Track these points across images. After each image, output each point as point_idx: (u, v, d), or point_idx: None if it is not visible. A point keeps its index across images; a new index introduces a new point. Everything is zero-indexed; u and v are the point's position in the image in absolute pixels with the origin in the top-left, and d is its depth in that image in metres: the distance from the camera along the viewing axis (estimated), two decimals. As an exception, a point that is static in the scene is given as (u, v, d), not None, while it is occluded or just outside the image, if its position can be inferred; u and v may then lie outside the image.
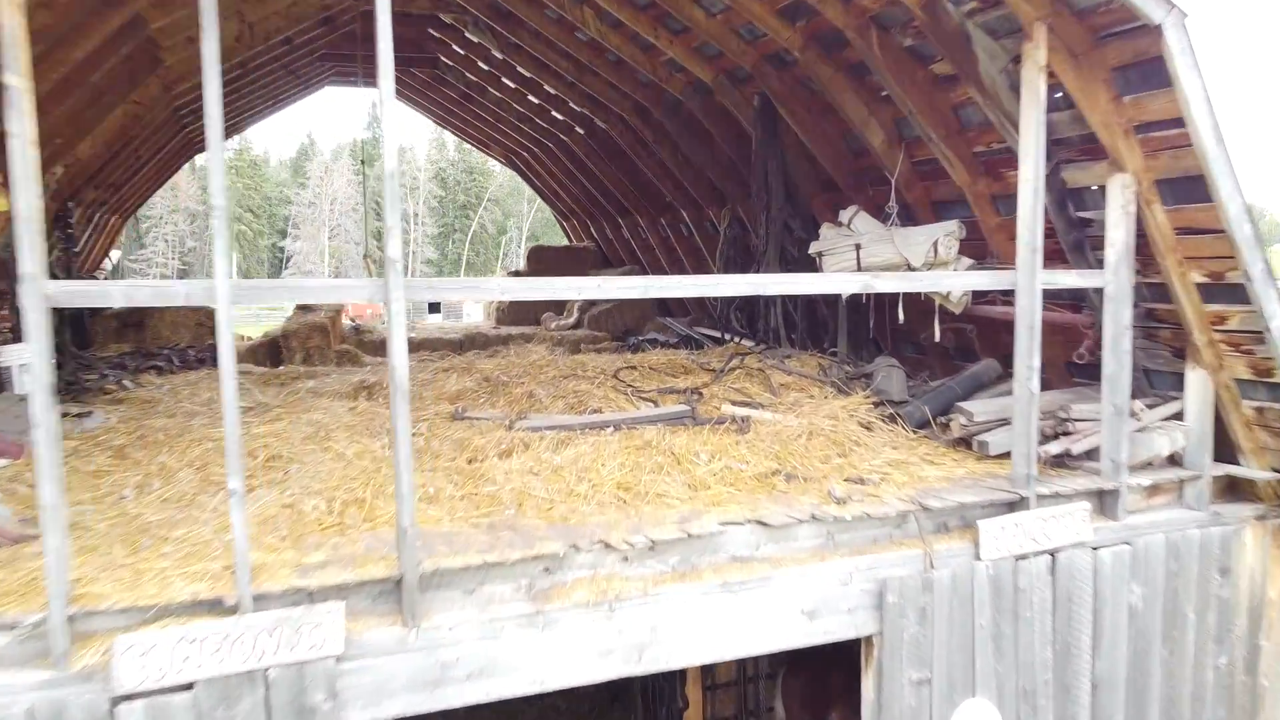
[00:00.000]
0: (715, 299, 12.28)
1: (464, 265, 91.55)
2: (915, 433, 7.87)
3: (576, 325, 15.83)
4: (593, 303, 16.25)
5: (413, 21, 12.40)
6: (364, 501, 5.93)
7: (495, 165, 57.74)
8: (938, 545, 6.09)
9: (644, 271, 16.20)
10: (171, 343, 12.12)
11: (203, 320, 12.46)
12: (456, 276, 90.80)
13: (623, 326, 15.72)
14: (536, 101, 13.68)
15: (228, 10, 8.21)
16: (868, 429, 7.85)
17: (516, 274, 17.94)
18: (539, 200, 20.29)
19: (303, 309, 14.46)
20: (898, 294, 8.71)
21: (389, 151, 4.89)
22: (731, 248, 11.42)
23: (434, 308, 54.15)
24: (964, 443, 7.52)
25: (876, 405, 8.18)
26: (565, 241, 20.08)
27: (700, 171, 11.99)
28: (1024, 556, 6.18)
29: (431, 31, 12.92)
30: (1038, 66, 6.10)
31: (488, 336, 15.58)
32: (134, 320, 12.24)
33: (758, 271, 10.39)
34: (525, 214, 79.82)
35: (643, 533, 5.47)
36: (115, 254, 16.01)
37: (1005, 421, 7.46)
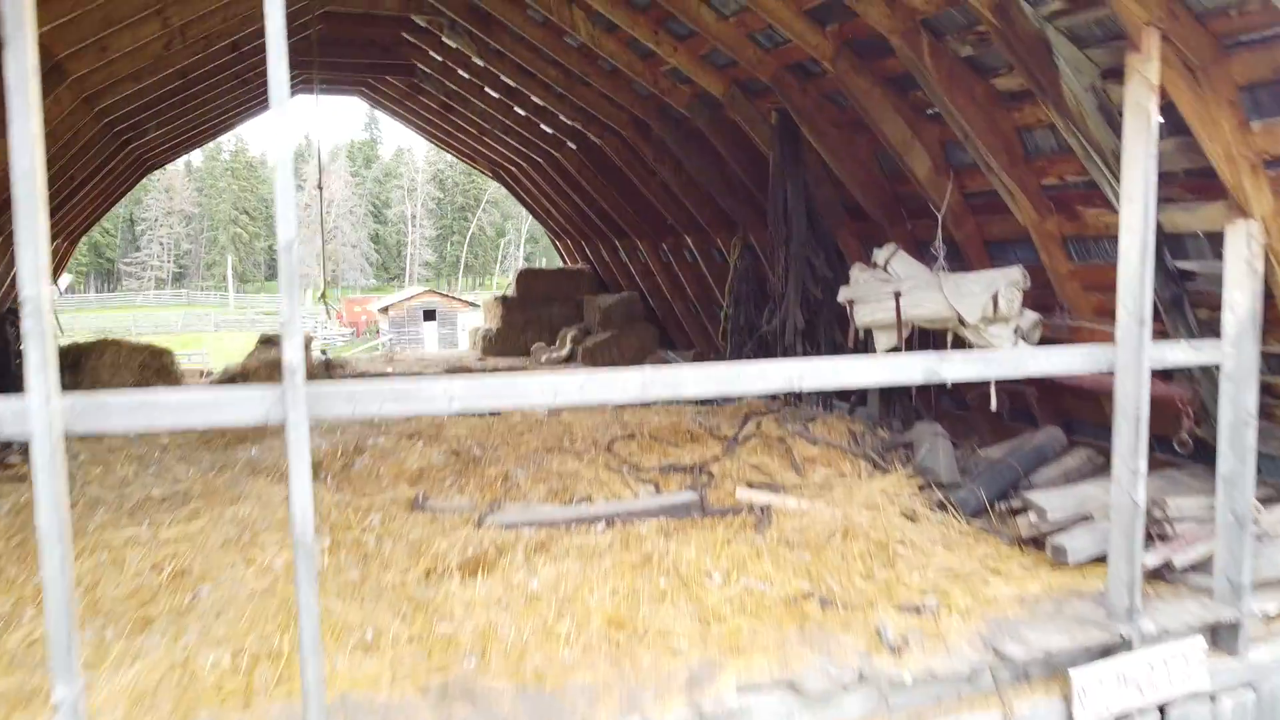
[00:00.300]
0: (724, 337, 10.92)
1: (462, 268, 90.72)
2: (970, 523, 6.52)
3: (569, 359, 14.48)
4: (587, 332, 14.91)
5: (382, 24, 11.07)
6: (281, 654, 4.57)
7: (492, 168, 56.11)
8: (1018, 702, 4.74)
9: (643, 298, 14.84)
10: (110, 390, 10.73)
11: (147, 360, 11.13)
12: (456, 279, 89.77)
13: (620, 360, 14.35)
14: (523, 113, 12.34)
15: (142, 8, 6.89)
16: (913, 520, 6.52)
17: (504, 300, 16.58)
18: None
19: (266, 342, 13.11)
20: (939, 337, 7.39)
21: (284, 216, 3.53)
22: (744, 283, 10.06)
23: (429, 315, 52.98)
24: (1034, 542, 6.17)
25: (921, 488, 6.84)
26: (558, 260, 18.69)
27: (707, 194, 10.64)
28: (1127, 715, 4.82)
29: (405, 35, 11.57)
30: (1148, 85, 4.73)
31: (471, 371, 14.21)
32: (69, 361, 10.89)
33: (774, 314, 9.05)
34: (524, 216, 78.63)
35: (640, 710, 4.12)
36: (66, 279, 14.68)
37: (1085, 518, 6.13)
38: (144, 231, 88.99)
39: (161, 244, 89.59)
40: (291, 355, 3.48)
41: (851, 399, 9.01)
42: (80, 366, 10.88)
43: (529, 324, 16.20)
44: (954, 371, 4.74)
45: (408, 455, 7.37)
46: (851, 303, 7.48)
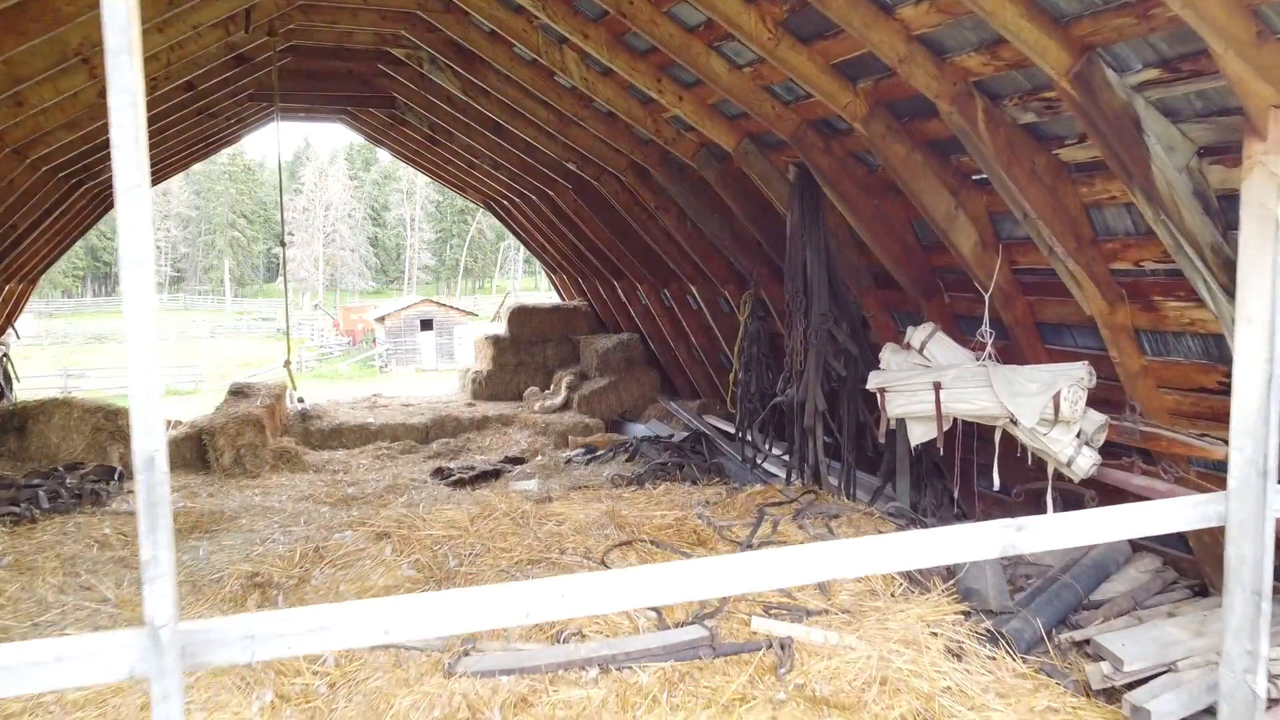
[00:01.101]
0: (736, 391, 9.94)
1: (461, 271, 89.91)
2: (1025, 661, 5.56)
3: (565, 406, 13.49)
4: (584, 377, 13.92)
5: (357, 56, 10.11)
6: None
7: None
8: None
9: (644, 341, 13.84)
10: (59, 458, 9.81)
11: (100, 423, 10.15)
12: (455, 282, 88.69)
13: (619, 409, 13.37)
14: (512, 150, 11.37)
15: (59, 60, 5.94)
16: (959, 657, 5.54)
17: (495, 340, 15.57)
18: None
19: (236, 394, 12.12)
20: (981, 425, 6.42)
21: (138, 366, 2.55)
22: (755, 344, 9.08)
23: (426, 325, 51.83)
24: (1106, 694, 5.22)
25: (967, 614, 5.88)
26: (554, 295, 17.68)
27: (713, 247, 9.67)
28: None
29: (382, 68, 10.61)
30: (1274, 181, 3.73)
31: (459, 421, 13.23)
32: (15, 424, 9.92)
33: (789, 383, 8.07)
34: (523, 222, 77.14)
35: None
36: (25, 318, 13.71)
37: (1168, 669, 5.18)
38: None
39: (159, 247, 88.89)
40: (157, 610, 2.50)
41: (880, 475, 8.05)
42: (26, 430, 9.91)
43: (521, 366, 15.21)
44: (1034, 543, 3.77)
45: (373, 567, 6.40)
46: (883, 391, 6.52)
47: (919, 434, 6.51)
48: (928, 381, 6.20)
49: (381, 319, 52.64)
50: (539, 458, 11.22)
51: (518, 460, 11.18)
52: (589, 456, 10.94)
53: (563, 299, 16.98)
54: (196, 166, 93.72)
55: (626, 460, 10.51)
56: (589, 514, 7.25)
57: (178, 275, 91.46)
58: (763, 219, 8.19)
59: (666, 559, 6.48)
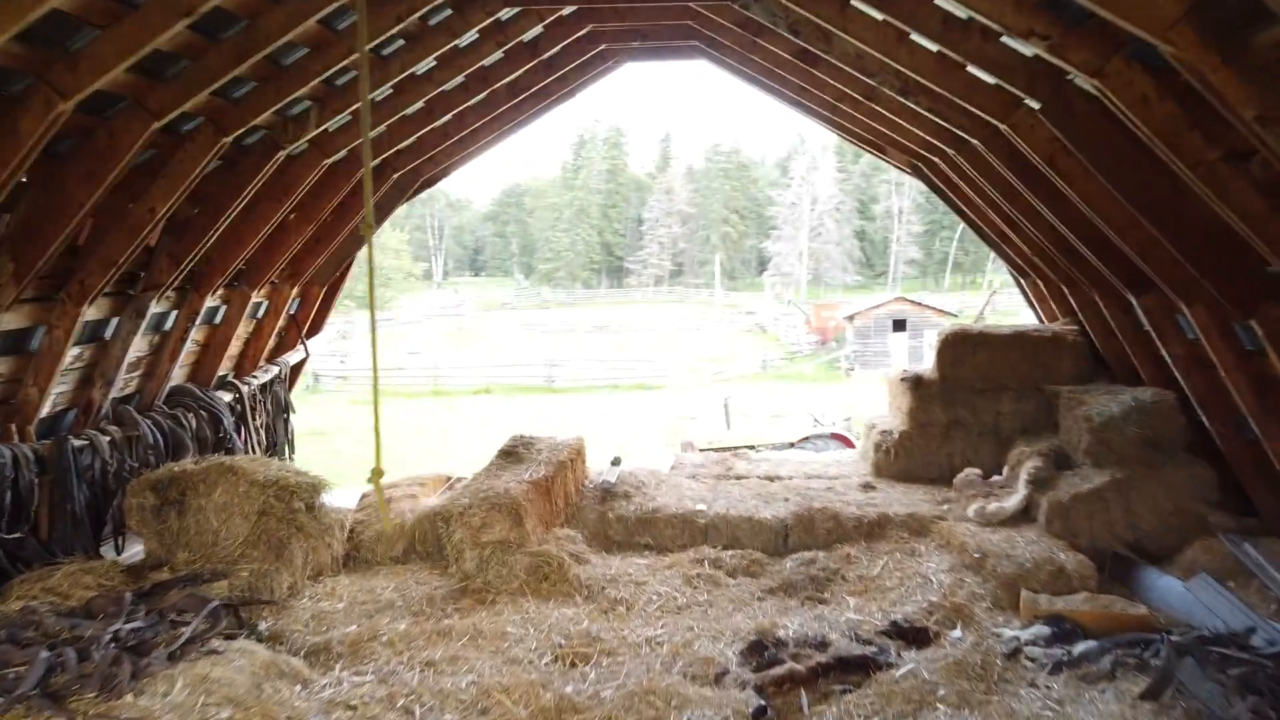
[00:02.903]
0: None
1: (950, 265, 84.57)
2: None
3: (1023, 513, 7.72)
4: (1063, 460, 7.96)
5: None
6: None
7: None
8: None
9: (1185, 408, 7.53)
10: (217, 551, 6.67)
11: (269, 505, 6.79)
12: (943, 278, 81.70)
13: (1129, 534, 7.28)
14: (921, 45, 6.01)
15: None
16: None
17: (916, 382, 9.88)
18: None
19: (507, 455, 8.33)
20: None
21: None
22: None
23: (899, 325, 46.46)
24: None
25: None
26: (1030, 312, 11.37)
27: None
28: None
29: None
30: None
31: (838, 520, 8.08)
32: (176, 492, 6.93)
33: None
34: (1023, 208, 67.94)
35: None
36: (335, 329, 11.37)
37: None
38: (645, 231, 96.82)
39: (660, 243, 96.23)
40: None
41: None
42: (186, 505, 6.96)
43: (956, 428, 9.38)
44: None
45: None
46: None
47: None
48: None
49: (851, 317, 48.35)
50: (955, 634, 5.83)
51: (915, 635, 5.87)
52: (1056, 655, 5.32)
53: (1040, 317, 10.80)
54: (696, 164, 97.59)
55: (1142, 695, 4.77)
56: None
57: (676, 269, 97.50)
58: None
59: None
